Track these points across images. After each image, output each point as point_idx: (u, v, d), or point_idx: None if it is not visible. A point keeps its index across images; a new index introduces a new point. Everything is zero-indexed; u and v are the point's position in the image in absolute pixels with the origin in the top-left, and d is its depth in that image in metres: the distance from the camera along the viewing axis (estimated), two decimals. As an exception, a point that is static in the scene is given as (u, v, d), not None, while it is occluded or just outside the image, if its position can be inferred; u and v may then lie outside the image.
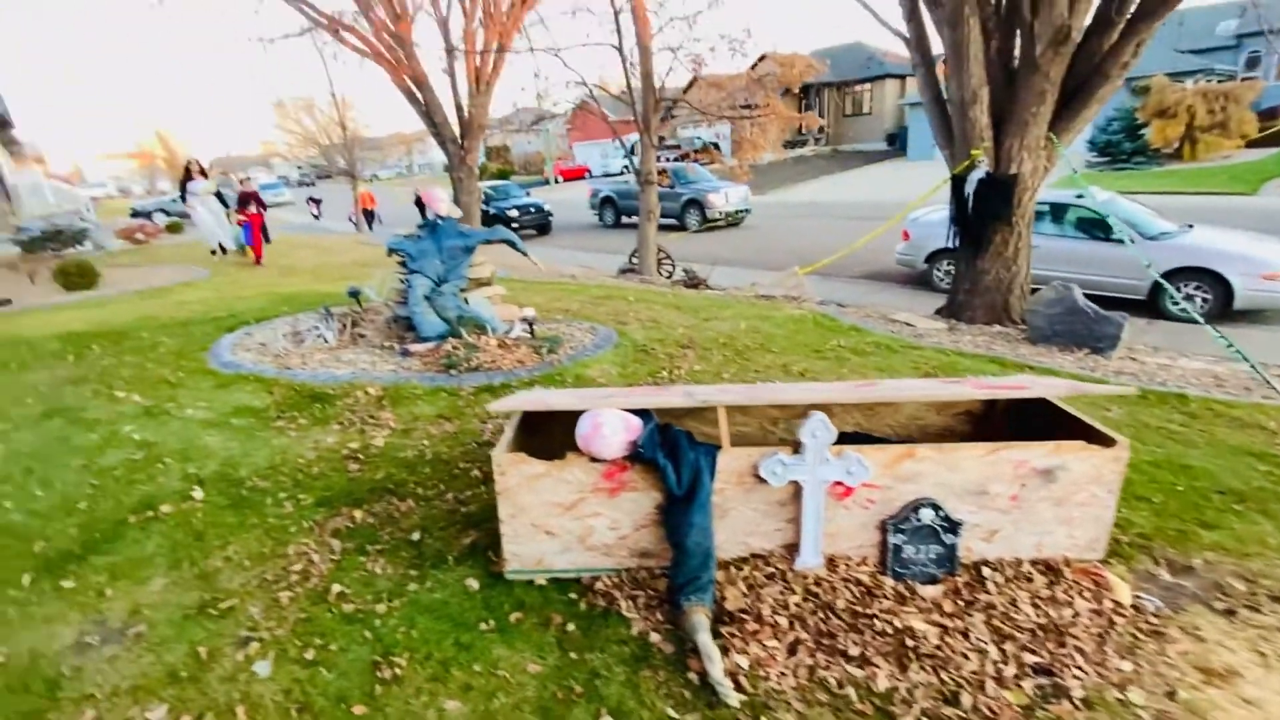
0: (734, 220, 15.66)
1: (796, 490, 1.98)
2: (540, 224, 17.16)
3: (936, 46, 5.62)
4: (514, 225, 15.84)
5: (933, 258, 8.52)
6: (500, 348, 4.32)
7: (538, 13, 12.06)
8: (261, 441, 3.19)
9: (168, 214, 20.17)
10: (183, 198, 9.46)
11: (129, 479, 2.86)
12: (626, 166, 32.02)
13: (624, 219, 17.86)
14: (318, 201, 23.93)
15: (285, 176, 43.67)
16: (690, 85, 9.34)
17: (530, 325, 4.67)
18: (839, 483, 1.97)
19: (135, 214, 22.35)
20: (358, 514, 2.54)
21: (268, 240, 10.05)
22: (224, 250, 9.86)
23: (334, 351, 4.64)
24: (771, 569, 2.01)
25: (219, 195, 9.27)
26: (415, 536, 2.38)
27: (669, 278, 9.46)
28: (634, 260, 9.72)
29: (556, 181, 33.90)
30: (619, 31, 8.17)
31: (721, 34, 8.85)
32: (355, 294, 5.52)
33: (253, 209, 9.32)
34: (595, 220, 18.66)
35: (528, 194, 19.22)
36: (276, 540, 2.38)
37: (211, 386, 3.97)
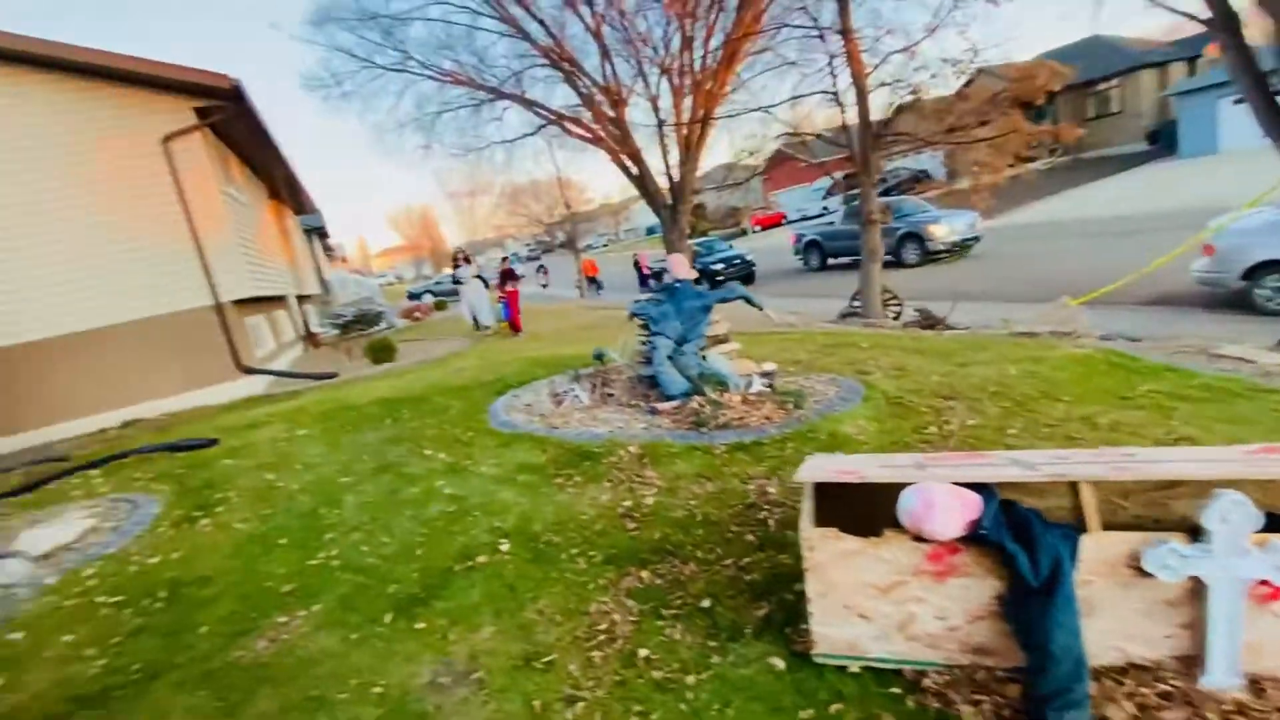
0: (961, 250, 14.27)
1: (1195, 588, 1.58)
2: (745, 274, 17.33)
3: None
4: (720, 278, 16.20)
5: (1253, 273, 6.81)
6: (744, 404, 4.29)
7: (740, 76, 12.54)
8: (546, 497, 3.48)
9: (434, 294, 24.23)
10: (455, 281, 11.27)
11: (448, 530, 3.30)
12: (825, 208, 31.32)
13: (830, 261, 17.33)
14: (545, 272, 26.96)
15: (516, 253, 50.04)
16: (896, 114, 8.80)
17: (770, 379, 4.59)
18: (1264, 582, 1.52)
19: (410, 296, 27.19)
20: (645, 574, 2.61)
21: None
22: (484, 326, 11.46)
23: (589, 410, 5.01)
24: (1165, 686, 1.61)
25: (480, 277, 10.92)
26: (705, 604, 2.36)
27: (897, 319, 8.81)
28: (855, 303, 9.25)
29: (754, 231, 34.23)
30: (833, 77, 8.08)
31: (944, 58, 8.26)
32: (599, 356, 5.96)
33: (509, 285, 10.77)
34: (799, 265, 18.36)
35: (730, 246, 19.63)
36: (578, 597, 2.53)
37: (496, 445, 4.49)
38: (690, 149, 12.19)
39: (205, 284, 8.22)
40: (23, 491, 5.31)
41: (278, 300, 12.02)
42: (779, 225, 35.15)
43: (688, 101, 12.41)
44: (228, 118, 8.46)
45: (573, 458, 3.96)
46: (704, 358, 4.72)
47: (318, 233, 22.68)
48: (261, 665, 2.43)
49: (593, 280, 20.36)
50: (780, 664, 2.01)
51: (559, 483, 3.65)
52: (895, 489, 1.92)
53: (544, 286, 26.36)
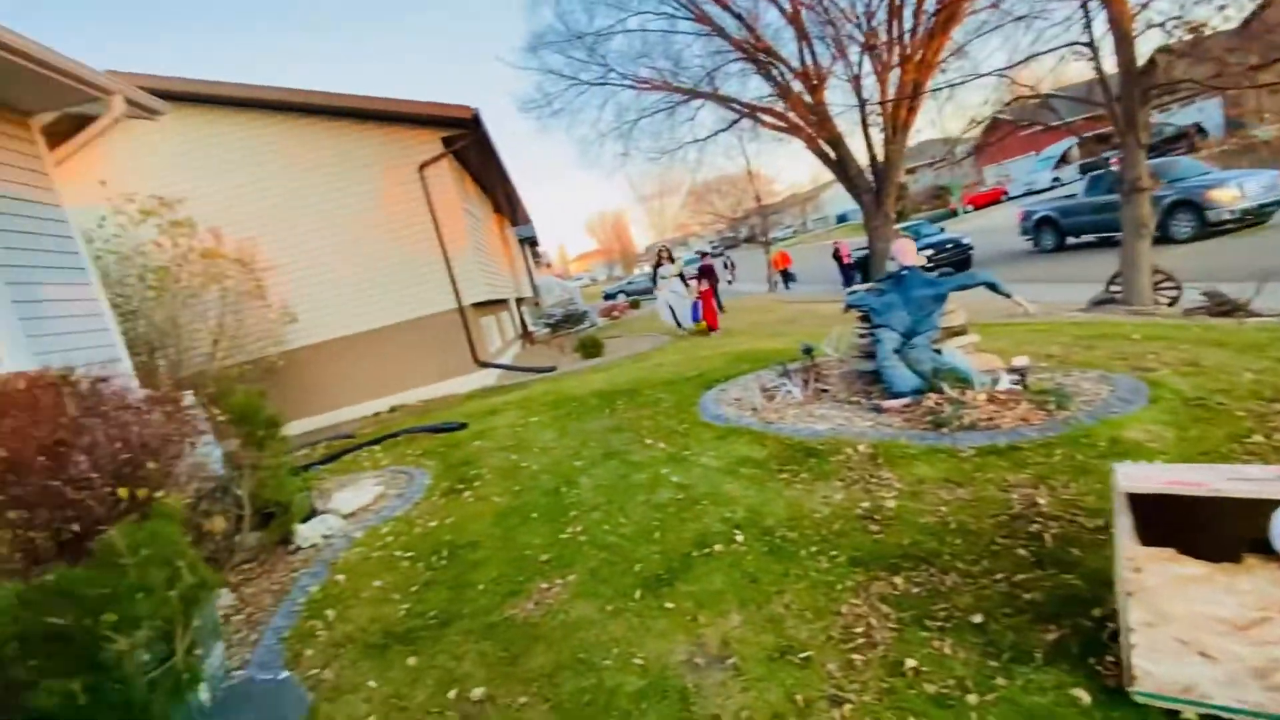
0: (1257, 218, 11.45)
1: None
2: (959, 260, 15.66)
3: None
4: (930, 265, 14.84)
5: None
6: (991, 403, 3.86)
7: (955, 41, 11.33)
8: (773, 492, 3.45)
9: (627, 294, 25.50)
10: (654, 281, 11.66)
11: (680, 516, 3.42)
12: (1057, 179, 27.14)
13: (1069, 240, 15.00)
14: (732, 267, 26.91)
15: (701, 250, 50.72)
16: (1167, 59, 7.20)
17: (1023, 376, 4.07)
18: None
19: (606, 296, 28.93)
20: (898, 580, 2.45)
21: (721, 309, 11.53)
22: (683, 325, 11.46)
23: (803, 406, 4.87)
24: None
25: (681, 275, 11.13)
26: (977, 619, 2.15)
27: (1172, 305, 7.32)
28: (1114, 287, 7.85)
29: (965, 211, 30.81)
30: (1087, 25, 6.91)
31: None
32: (808, 350, 5.77)
33: (704, 284, 10.85)
34: (1027, 247, 16.14)
35: (941, 230, 17.89)
36: (826, 596, 2.46)
37: (712, 437, 4.56)
38: (898, 127, 11.32)
39: (451, 290, 9.52)
40: (328, 461, 6.59)
41: (502, 303, 13.51)
42: (997, 202, 31.26)
43: (894, 76, 11.55)
44: (467, 143, 9.68)
45: (795, 454, 3.87)
46: (938, 351, 4.33)
47: (529, 242, 25.13)
48: (532, 624, 2.72)
49: (785, 273, 19.84)
50: (1085, 697, 1.75)
51: (784, 478, 3.60)
52: (1240, 506, 1.58)
53: (729, 282, 26.32)
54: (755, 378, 6.19)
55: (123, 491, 2.72)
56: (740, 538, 3.02)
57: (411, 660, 2.66)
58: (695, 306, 11.13)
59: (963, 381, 4.06)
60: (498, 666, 2.49)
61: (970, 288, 4.44)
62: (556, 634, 2.61)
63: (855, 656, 2.10)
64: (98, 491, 2.75)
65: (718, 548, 2.97)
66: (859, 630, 2.22)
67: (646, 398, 6.23)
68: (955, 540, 2.64)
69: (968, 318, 4.71)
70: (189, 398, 4.13)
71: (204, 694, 2.39)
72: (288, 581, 3.72)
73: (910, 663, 2.01)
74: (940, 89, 10.18)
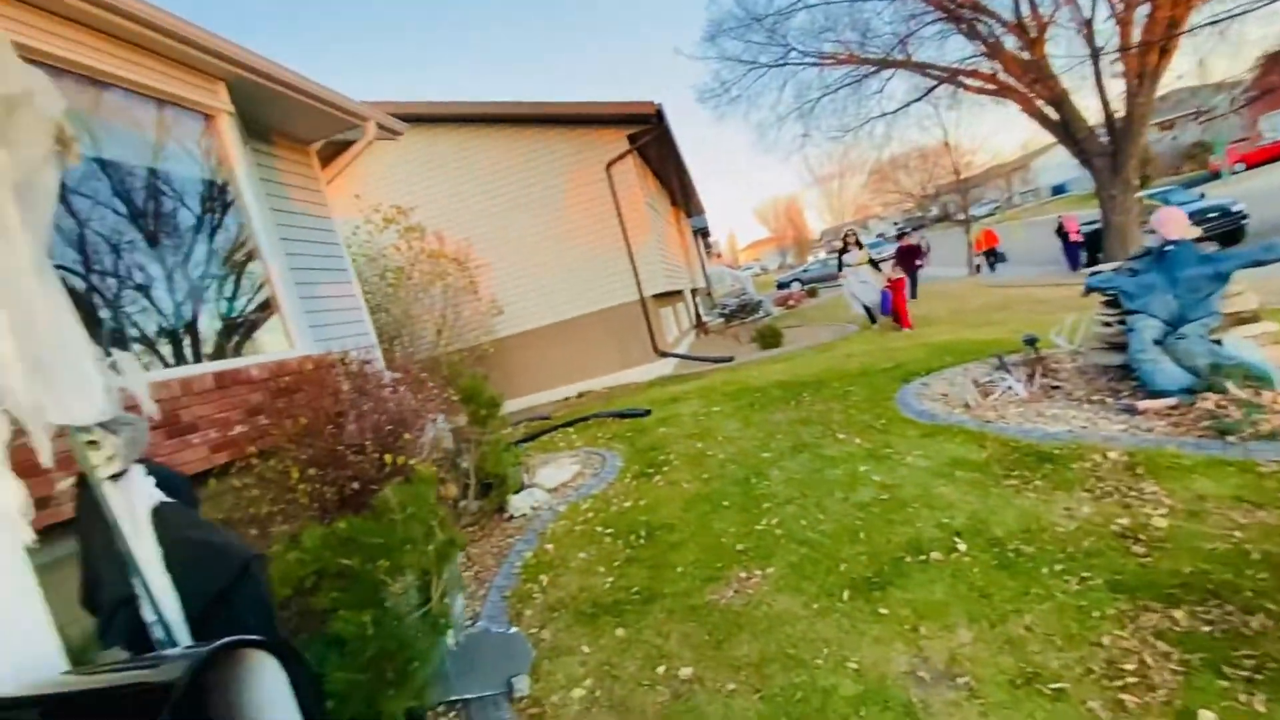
0: None
1: None
2: (1228, 232, 12.78)
3: None
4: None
5: None
6: (1301, 407, 3.08)
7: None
8: (1000, 500, 3.09)
9: (802, 283, 24.59)
10: (839, 267, 11.00)
11: (886, 518, 3.20)
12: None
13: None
14: (926, 250, 24.69)
15: (883, 234, 47.27)
16: None
17: (1351, 375, 3.20)
18: None
19: (780, 285, 28.17)
20: (1178, 615, 2.06)
21: (913, 296, 10.45)
22: (873, 320, 10.31)
23: (1028, 404, 4.31)
24: None
25: (871, 261, 10.30)
26: (1304, 675, 1.73)
27: None
28: None
29: (1233, 172, 25.09)
30: None
31: None
32: (1032, 341, 5.10)
33: (896, 273, 9.84)
34: (1333, 212, 12.69)
35: (1201, 196, 14.75)
36: (1079, 623, 2.14)
37: (917, 435, 4.22)
38: (1145, 76, 9.51)
39: (634, 282, 9.89)
40: (529, 440, 7.20)
41: (678, 294, 13.76)
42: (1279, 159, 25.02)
43: (1140, 16, 9.70)
44: (650, 139, 9.95)
45: (1024, 458, 3.43)
46: (1218, 343, 3.55)
47: (701, 233, 25.32)
48: (734, 612, 2.73)
49: (990, 253, 17.67)
50: None
51: (1012, 485, 3.20)
52: None
53: (919, 266, 24.11)
54: (963, 371, 5.62)
55: (388, 457, 3.21)
56: (962, 547, 2.75)
57: (620, 632, 2.80)
58: (885, 296, 10.11)
59: (1258, 380, 3.29)
60: (703, 649, 2.53)
61: (1267, 264, 3.57)
62: (760, 625, 2.59)
63: (1126, 698, 1.80)
64: (369, 456, 3.28)
65: (935, 555, 2.73)
66: (1129, 667, 1.90)
67: (834, 390, 5.95)
68: (1259, 574, 2.15)
69: (1261, 301, 3.81)
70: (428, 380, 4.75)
71: (451, 638, 2.74)
72: (505, 546, 4.13)
73: (1207, 716, 1.67)
74: (1209, 24, 8.34)
